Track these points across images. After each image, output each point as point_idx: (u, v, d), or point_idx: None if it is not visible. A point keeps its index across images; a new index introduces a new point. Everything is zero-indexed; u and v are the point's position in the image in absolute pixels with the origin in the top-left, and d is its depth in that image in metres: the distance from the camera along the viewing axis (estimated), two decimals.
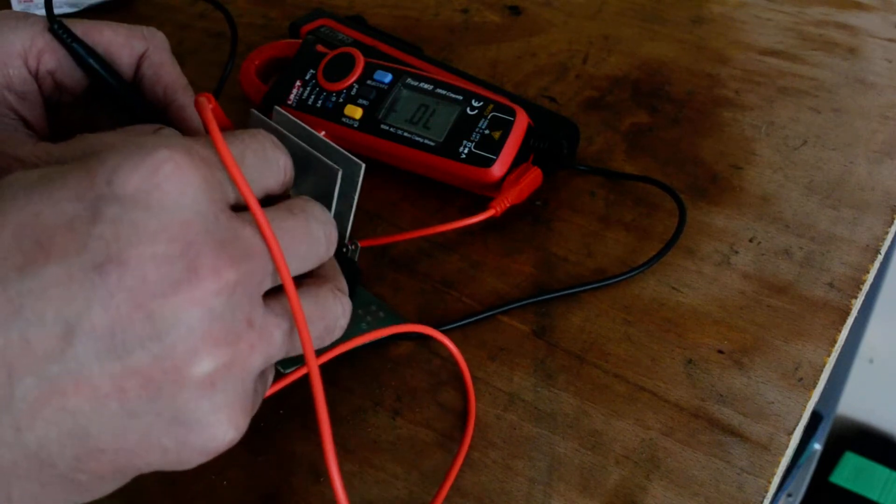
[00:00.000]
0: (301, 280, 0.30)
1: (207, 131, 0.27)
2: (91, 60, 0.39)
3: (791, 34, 0.59)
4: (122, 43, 0.40)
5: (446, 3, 0.65)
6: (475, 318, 0.43)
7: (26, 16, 0.39)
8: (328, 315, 0.29)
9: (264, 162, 0.28)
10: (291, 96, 0.50)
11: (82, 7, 0.65)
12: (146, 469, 0.26)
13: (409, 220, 0.49)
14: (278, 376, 0.36)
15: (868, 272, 0.44)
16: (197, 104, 0.28)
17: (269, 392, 0.31)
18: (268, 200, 0.29)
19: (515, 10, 0.63)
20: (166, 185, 0.24)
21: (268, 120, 0.33)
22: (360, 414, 0.40)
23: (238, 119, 0.48)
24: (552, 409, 0.39)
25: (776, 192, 0.48)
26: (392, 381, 0.41)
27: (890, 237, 0.46)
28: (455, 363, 0.41)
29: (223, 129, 0.28)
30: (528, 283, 0.45)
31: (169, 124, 0.38)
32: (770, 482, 0.36)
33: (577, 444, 0.38)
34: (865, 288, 0.43)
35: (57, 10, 0.64)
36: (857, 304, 0.43)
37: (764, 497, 0.36)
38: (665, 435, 0.38)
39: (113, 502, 0.35)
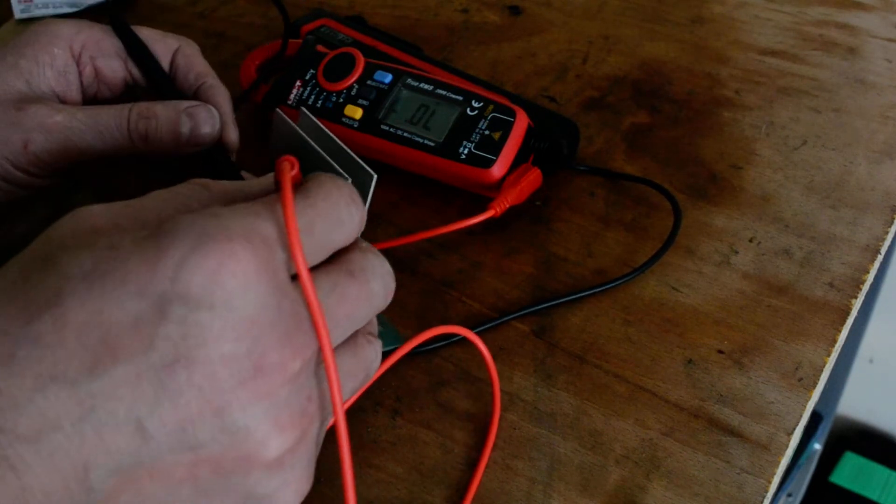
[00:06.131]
0: None
1: (282, 202, 0.26)
2: (138, 48, 0.43)
3: (791, 34, 0.59)
4: (158, 39, 0.44)
5: (446, 3, 0.65)
6: (492, 323, 0.43)
7: (79, 20, 0.44)
8: (366, 364, 0.30)
9: (335, 225, 0.28)
10: (291, 96, 0.50)
11: (83, 7, 0.65)
12: None
13: (409, 220, 0.49)
14: None
15: (868, 272, 0.44)
16: (279, 168, 0.27)
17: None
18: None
19: (515, 10, 0.63)
20: (230, 283, 0.24)
21: (291, 122, 0.33)
22: (360, 414, 0.40)
23: (242, 118, 0.48)
24: (552, 409, 0.40)
25: (776, 192, 0.48)
26: (392, 381, 0.41)
27: (890, 237, 0.46)
28: (456, 363, 0.42)
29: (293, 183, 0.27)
30: (528, 284, 0.45)
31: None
32: (770, 482, 0.36)
33: (577, 444, 0.38)
34: (865, 288, 0.43)
35: (57, 11, 0.64)
36: (857, 304, 0.43)
37: (764, 497, 0.36)
38: (665, 435, 0.38)
39: None
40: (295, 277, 0.26)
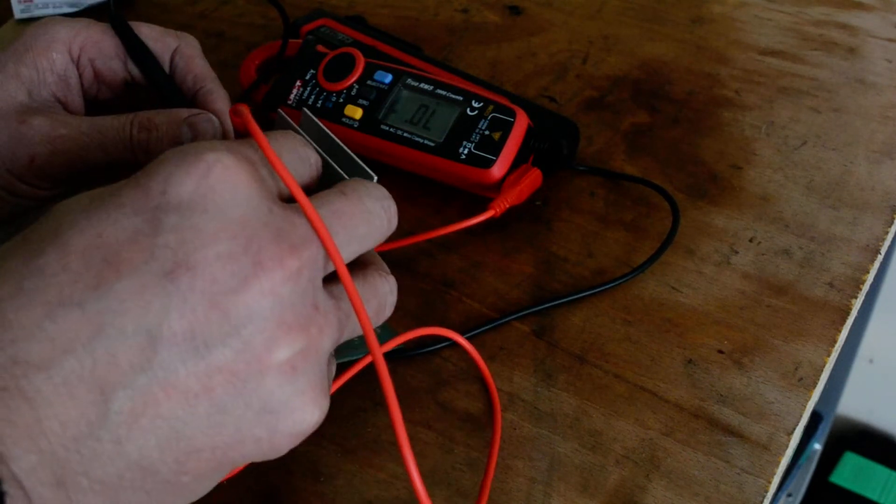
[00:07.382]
0: (348, 266, 0.31)
1: (250, 133, 0.28)
2: (138, 49, 0.43)
3: (791, 34, 0.59)
4: (156, 38, 0.44)
5: (446, 3, 0.65)
6: (492, 323, 0.43)
7: (77, 19, 0.43)
8: (379, 293, 0.30)
9: (298, 159, 0.29)
10: (291, 96, 0.50)
11: (83, 7, 0.65)
12: (242, 461, 0.27)
13: (410, 221, 0.49)
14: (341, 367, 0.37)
15: (868, 272, 0.44)
16: (236, 111, 0.29)
17: (335, 386, 0.31)
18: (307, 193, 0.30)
19: (515, 10, 0.63)
20: (219, 186, 0.25)
21: (292, 122, 0.33)
22: (360, 414, 0.40)
23: None
24: (552, 409, 0.40)
25: (776, 192, 0.48)
26: (392, 381, 0.41)
27: (890, 237, 0.46)
28: (456, 363, 0.42)
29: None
30: (528, 283, 0.45)
31: (197, 108, 0.42)
32: (770, 482, 0.36)
33: (577, 444, 0.38)
34: (865, 288, 0.43)
35: (56, 10, 0.64)
36: (857, 304, 0.43)
37: (764, 497, 0.36)
38: (665, 435, 0.38)
39: None
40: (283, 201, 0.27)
